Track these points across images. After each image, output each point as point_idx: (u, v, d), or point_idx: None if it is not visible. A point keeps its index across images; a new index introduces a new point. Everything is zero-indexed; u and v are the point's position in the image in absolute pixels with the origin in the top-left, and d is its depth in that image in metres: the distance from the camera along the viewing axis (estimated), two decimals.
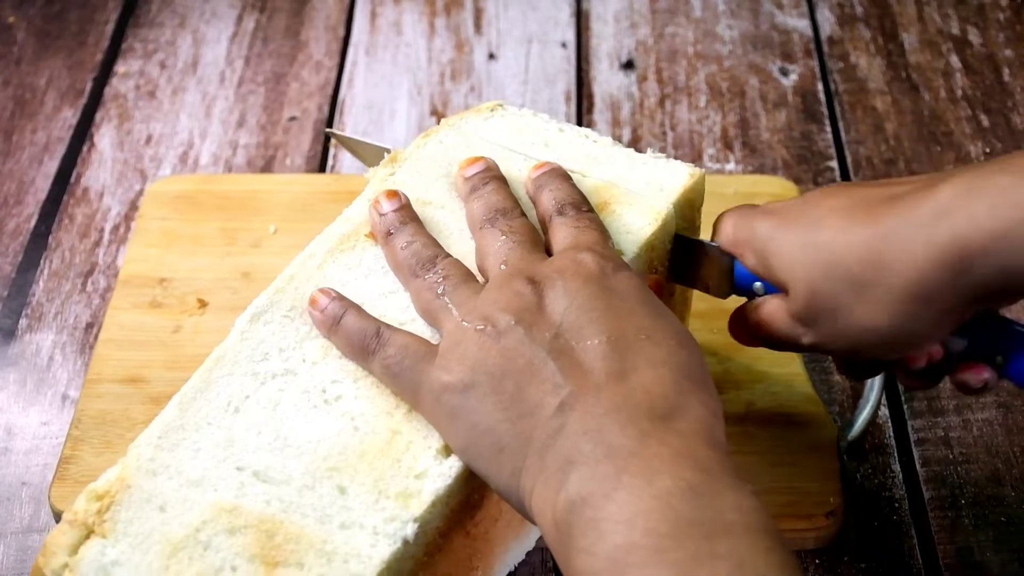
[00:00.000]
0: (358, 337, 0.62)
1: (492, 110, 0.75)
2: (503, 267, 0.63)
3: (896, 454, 0.79)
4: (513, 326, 0.58)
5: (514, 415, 0.56)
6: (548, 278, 0.60)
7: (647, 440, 0.53)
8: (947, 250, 0.58)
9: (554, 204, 0.66)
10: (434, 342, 0.62)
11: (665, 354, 0.56)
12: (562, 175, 0.68)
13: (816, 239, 0.62)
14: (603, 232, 0.65)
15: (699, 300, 0.79)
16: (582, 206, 0.66)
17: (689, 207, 0.71)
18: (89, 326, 0.86)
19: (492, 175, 0.69)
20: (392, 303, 0.66)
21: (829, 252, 0.62)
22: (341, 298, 0.65)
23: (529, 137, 0.73)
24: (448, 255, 0.65)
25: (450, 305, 0.62)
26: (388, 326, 0.63)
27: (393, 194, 0.68)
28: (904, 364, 0.65)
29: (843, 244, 0.61)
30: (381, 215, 0.68)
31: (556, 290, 0.59)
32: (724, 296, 0.70)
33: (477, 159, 0.70)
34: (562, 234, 0.64)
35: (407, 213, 0.68)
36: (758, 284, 0.67)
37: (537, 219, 0.68)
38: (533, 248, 0.64)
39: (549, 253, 0.64)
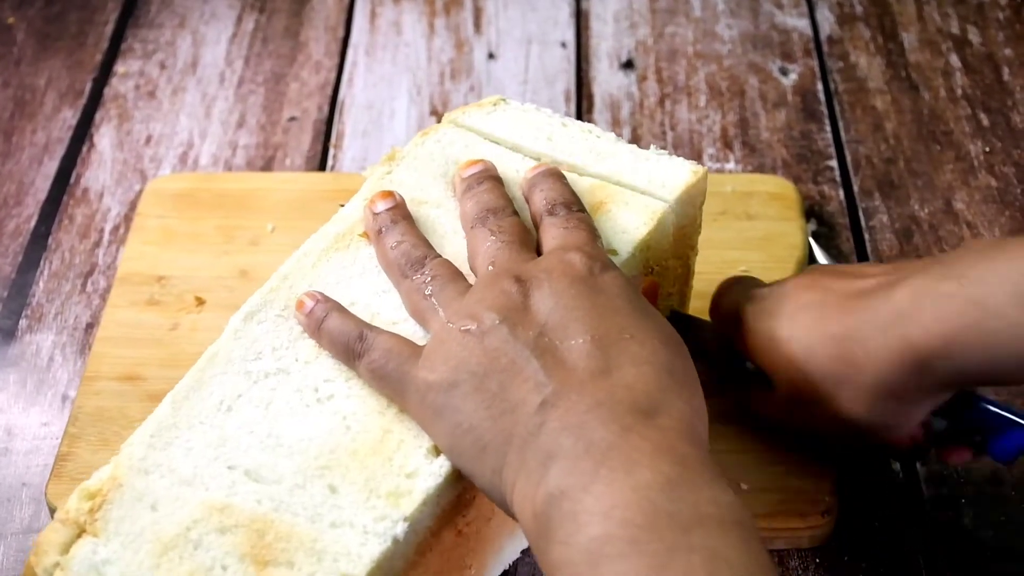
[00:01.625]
0: (342, 340, 0.63)
1: (495, 104, 0.75)
2: (491, 267, 0.63)
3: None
4: (498, 325, 0.58)
5: (496, 413, 0.56)
6: (535, 278, 0.60)
7: (628, 434, 0.53)
8: (904, 353, 0.63)
9: (545, 204, 0.67)
10: (424, 343, 0.62)
11: (649, 352, 0.57)
12: (556, 175, 0.69)
13: (792, 334, 0.67)
14: (593, 232, 0.65)
15: (695, 300, 0.79)
16: (573, 206, 0.66)
17: (691, 205, 0.71)
18: (89, 327, 0.86)
19: (488, 175, 0.69)
20: (386, 302, 0.66)
21: (804, 348, 0.66)
22: (326, 300, 0.65)
23: (532, 132, 0.73)
24: (438, 255, 0.66)
25: (437, 306, 0.62)
26: (371, 328, 0.63)
27: (388, 194, 0.69)
28: (891, 445, 0.69)
29: (815, 341, 0.66)
30: (374, 214, 0.68)
31: (542, 290, 0.59)
32: (723, 370, 0.74)
33: (476, 161, 0.70)
34: (552, 234, 0.65)
35: (399, 212, 0.68)
36: (749, 364, 0.71)
37: (530, 219, 0.68)
38: (522, 248, 0.64)
39: (540, 253, 0.65)
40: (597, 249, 0.63)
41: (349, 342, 0.62)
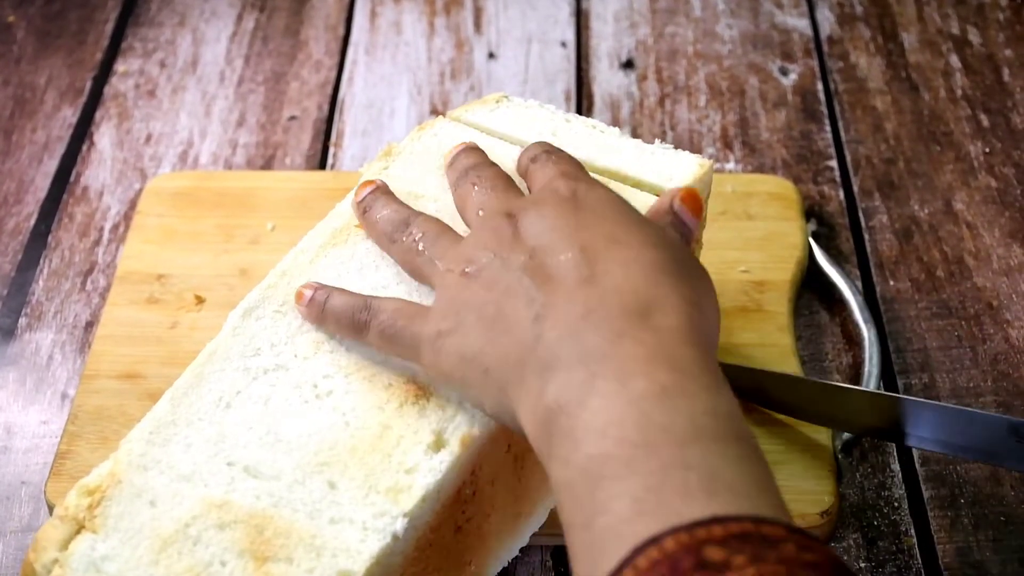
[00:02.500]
0: (348, 314, 0.63)
1: (497, 102, 0.75)
2: (481, 212, 0.63)
3: (895, 453, 0.78)
4: (492, 259, 0.59)
5: (495, 335, 0.56)
6: (522, 209, 0.61)
7: (621, 340, 0.52)
8: None
9: (528, 156, 0.67)
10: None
11: (636, 253, 0.56)
12: (542, 142, 0.69)
13: None
14: (576, 163, 0.65)
15: None
16: (556, 152, 0.66)
17: None
18: (89, 325, 0.86)
19: (469, 147, 0.70)
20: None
21: None
22: (323, 286, 0.65)
23: (536, 127, 0.73)
24: (421, 213, 0.66)
25: (433, 258, 0.62)
26: (375, 296, 0.63)
27: (368, 182, 0.69)
28: None
29: None
30: (358, 202, 0.69)
31: (529, 217, 0.60)
32: None
33: (459, 144, 0.71)
34: (536, 176, 0.65)
35: (380, 190, 0.69)
36: None
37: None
38: (507, 189, 0.65)
39: None
40: (580, 172, 0.63)
41: (355, 313, 0.63)
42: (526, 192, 0.69)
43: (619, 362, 0.51)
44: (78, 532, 0.58)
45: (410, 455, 0.59)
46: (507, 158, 0.70)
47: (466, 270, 0.59)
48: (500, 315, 0.57)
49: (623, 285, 0.55)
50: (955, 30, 1.09)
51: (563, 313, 0.54)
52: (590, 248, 0.57)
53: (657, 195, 0.69)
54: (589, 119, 0.74)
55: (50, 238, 0.93)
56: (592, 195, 0.60)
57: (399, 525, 0.57)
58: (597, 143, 0.72)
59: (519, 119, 0.74)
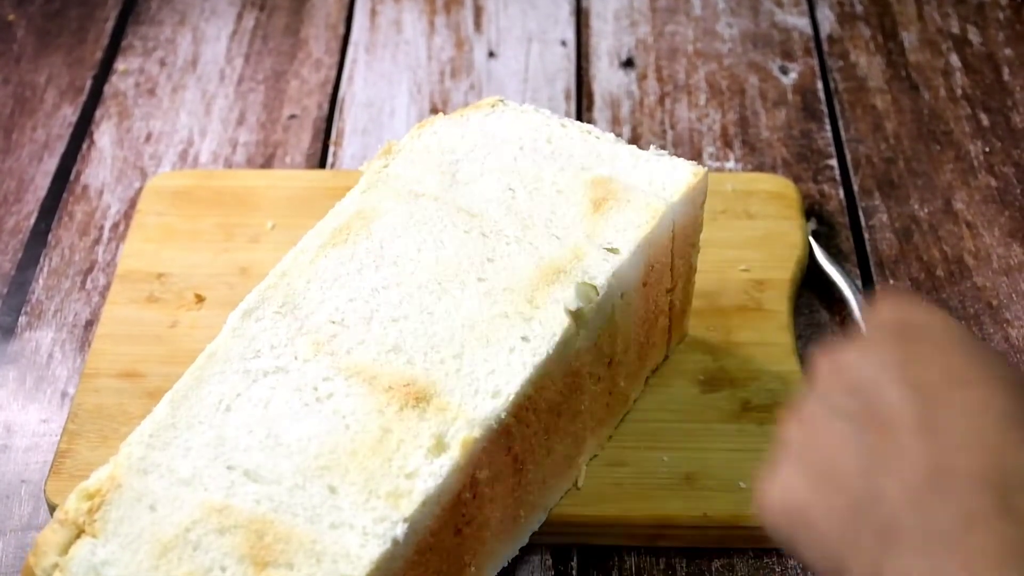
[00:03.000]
0: None
1: (493, 106, 0.75)
2: None
3: None
4: (811, 394, 0.52)
5: (820, 486, 0.50)
6: (844, 351, 0.53)
7: (973, 526, 0.45)
8: None
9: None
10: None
11: (983, 397, 0.48)
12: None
13: None
14: (914, 299, 0.56)
15: (695, 298, 0.79)
16: (895, 291, 0.59)
17: (692, 205, 0.71)
18: (88, 323, 0.86)
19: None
20: (384, 299, 0.65)
21: None
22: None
23: (531, 133, 0.73)
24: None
25: None
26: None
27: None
28: None
29: None
30: None
31: (849, 355, 0.52)
32: None
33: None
34: (870, 319, 0.55)
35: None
36: None
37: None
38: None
39: None
40: (914, 305, 0.54)
41: None
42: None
43: (967, 555, 0.45)
44: (78, 536, 0.58)
45: (411, 459, 0.59)
46: (508, 157, 0.71)
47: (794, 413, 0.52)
48: (822, 463, 0.50)
49: (969, 445, 0.47)
50: (955, 29, 1.08)
51: (902, 470, 0.47)
52: (926, 386, 0.49)
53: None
54: (585, 124, 0.74)
55: (50, 237, 0.93)
56: (923, 323, 0.52)
57: (399, 530, 0.57)
58: (592, 150, 0.72)
59: (515, 125, 0.74)
